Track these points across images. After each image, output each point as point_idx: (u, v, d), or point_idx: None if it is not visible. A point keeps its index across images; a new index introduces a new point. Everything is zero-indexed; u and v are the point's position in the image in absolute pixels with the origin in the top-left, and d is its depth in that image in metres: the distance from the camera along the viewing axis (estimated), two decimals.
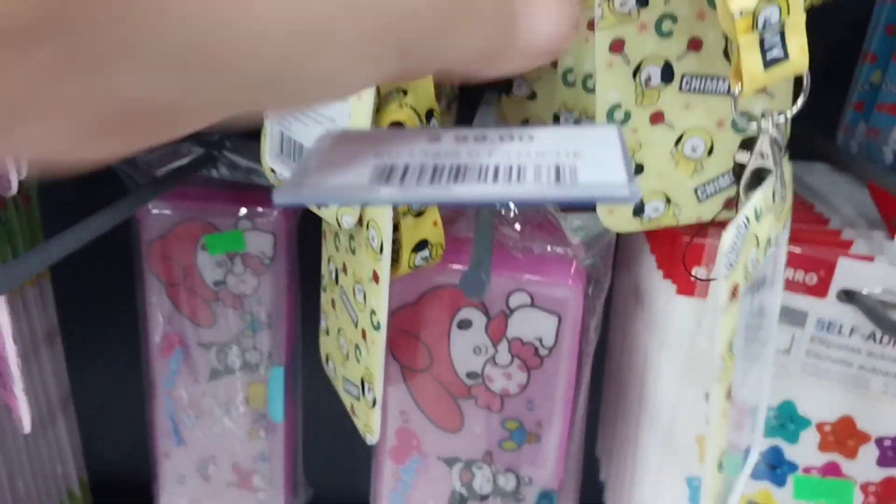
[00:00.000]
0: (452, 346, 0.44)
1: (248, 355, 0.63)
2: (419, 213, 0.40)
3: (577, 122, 0.46)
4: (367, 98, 0.37)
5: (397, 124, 0.39)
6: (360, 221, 0.39)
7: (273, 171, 0.44)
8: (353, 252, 0.42)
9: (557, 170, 0.19)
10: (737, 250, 0.30)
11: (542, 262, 0.43)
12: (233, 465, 0.66)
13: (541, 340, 0.43)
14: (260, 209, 0.60)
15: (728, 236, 0.29)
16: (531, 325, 0.43)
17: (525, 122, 0.50)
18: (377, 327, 0.40)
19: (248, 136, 0.62)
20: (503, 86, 0.52)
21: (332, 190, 0.19)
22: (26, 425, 0.40)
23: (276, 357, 0.63)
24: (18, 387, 0.38)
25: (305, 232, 0.62)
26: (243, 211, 0.60)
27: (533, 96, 0.51)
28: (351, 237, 0.42)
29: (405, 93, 0.40)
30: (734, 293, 0.30)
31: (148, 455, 0.66)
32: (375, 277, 0.40)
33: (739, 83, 0.31)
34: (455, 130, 0.23)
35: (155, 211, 0.59)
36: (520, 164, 0.20)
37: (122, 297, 0.65)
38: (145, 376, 0.64)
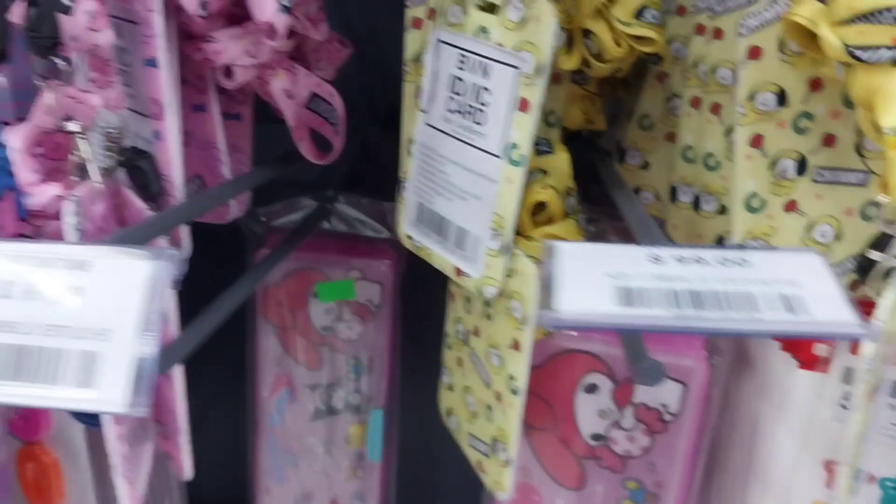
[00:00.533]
0: (578, 409, 0.47)
1: (350, 397, 0.66)
2: None
3: (696, 197, 0.48)
4: (517, 180, 0.40)
5: (541, 204, 0.42)
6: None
7: (410, 237, 0.47)
8: (489, 318, 0.45)
9: (786, 301, 0.22)
10: (876, 356, 0.32)
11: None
12: (330, 502, 0.68)
13: (666, 407, 0.46)
14: (369, 260, 0.63)
15: (869, 347, 0.31)
16: (657, 392, 0.45)
17: (637, 191, 0.53)
18: (515, 392, 0.43)
19: (359, 192, 0.65)
20: (618, 155, 0.54)
21: (608, 318, 0.21)
22: (188, 472, 0.43)
23: (377, 400, 0.66)
24: (185, 439, 0.41)
25: (406, 282, 0.65)
26: (354, 261, 0.63)
27: (646, 166, 0.54)
28: (487, 304, 0.45)
29: (545, 172, 0.43)
30: (870, 394, 0.33)
31: (249, 491, 0.69)
32: (516, 345, 0.42)
33: (887, 194, 0.33)
34: (671, 250, 0.25)
35: None
36: (748, 291, 0.22)
37: (229, 337, 0.68)
38: (251, 414, 0.67)
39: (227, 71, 0.42)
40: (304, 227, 0.59)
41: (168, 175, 0.40)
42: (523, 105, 0.39)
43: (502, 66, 0.40)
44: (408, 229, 0.47)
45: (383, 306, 0.64)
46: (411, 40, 0.47)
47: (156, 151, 0.40)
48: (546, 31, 0.38)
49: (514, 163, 0.40)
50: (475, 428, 0.47)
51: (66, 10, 0.34)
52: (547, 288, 0.23)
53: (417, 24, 0.46)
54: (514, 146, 0.40)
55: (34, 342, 0.27)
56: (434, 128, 0.44)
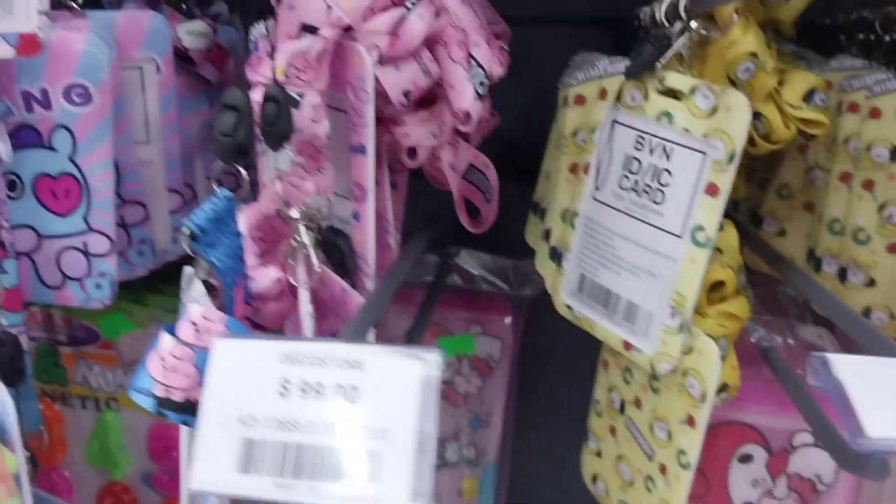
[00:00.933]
0: (731, 478, 0.48)
1: (465, 450, 0.67)
2: (722, 358, 0.43)
3: (842, 269, 0.49)
4: (701, 261, 0.41)
5: (720, 283, 0.43)
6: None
7: (569, 307, 0.48)
8: (656, 392, 0.46)
9: None
10: None
11: (824, 402, 0.46)
12: None
13: (819, 477, 0.46)
14: (490, 316, 0.64)
15: None
16: (811, 463, 0.46)
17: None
18: (685, 466, 0.43)
19: (480, 248, 0.66)
20: (752, 221, 0.55)
21: None
22: None
23: (491, 453, 0.67)
24: None
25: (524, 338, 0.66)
26: (475, 317, 0.64)
27: (783, 233, 0.55)
28: (653, 377, 0.46)
29: (720, 251, 0.44)
30: None
31: None
32: (691, 421, 0.43)
33: None
34: None
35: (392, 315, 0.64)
36: None
37: None
38: None
39: (410, 151, 0.44)
40: (435, 285, 0.60)
41: (363, 254, 0.41)
42: (712, 190, 0.40)
43: (688, 150, 0.41)
44: (567, 299, 0.48)
45: (502, 361, 0.65)
46: (571, 116, 0.48)
47: (352, 231, 0.41)
48: (739, 121, 0.39)
49: (699, 244, 0.41)
50: (630, 497, 0.48)
51: (297, 105, 0.36)
52: (842, 406, 0.24)
53: (580, 100, 0.48)
54: (700, 228, 0.41)
55: (314, 441, 0.28)
56: (603, 203, 0.45)
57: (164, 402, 0.30)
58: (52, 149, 0.43)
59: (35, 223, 0.45)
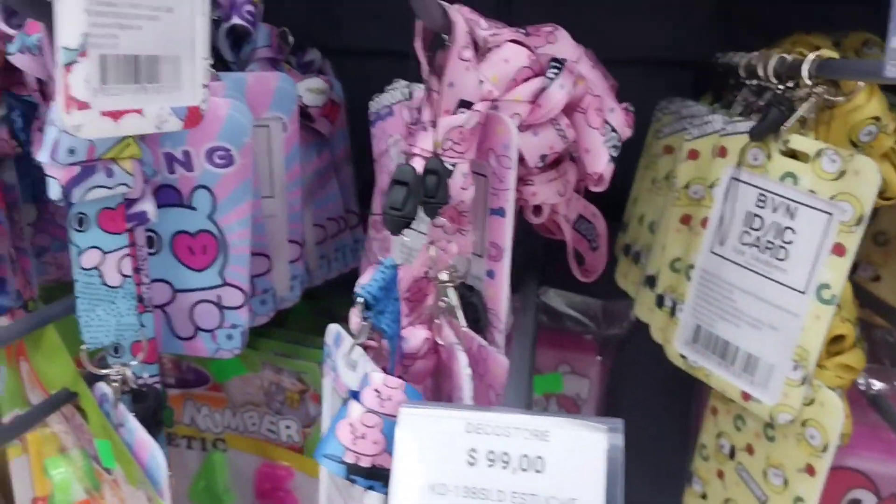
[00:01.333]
0: None
1: None
2: None
3: None
4: (826, 317, 0.42)
5: (839, 337, 0.44)
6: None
7: (683, 357, 0.50)
8: (771, 440, 0.47)
9: None
10: None
11: None
12: None
13: None
14: (579, 355, 0.65)
15: None
16: None
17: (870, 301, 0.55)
18: None
19: (565, 288, 0.68)
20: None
21: None
22: None
23: None
24: None
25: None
26: (564, 356, 0.65)
27: (877, 278, 0.56)
28: (768, 426, 0.47)
29: (839, 306, 0.45)
30: None
31: None
32: (811, 470, 0.44)
33: None
34: None
35: None
36: None
37: None
38: None
39: (536, 208, 0.45)
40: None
41: (495, 310, 0.42)
42: (839, 250, 0.41)
43: (813, 210, 0.42)
44: (681, 349, 0.49)
45: (590, 401, 0.66)
46: (685, 169, 0.49)
47: (485, 288, 0.42)
48: (868, 185, 0.40)
49: (825, 301, 0.42)
50: None
51: (450, 175, 0.37)
52: None
53: (694, 155, 0.49)
54: (826, 286, 0.42)
55: None
56: (723, 257, 0.46)
57: (353, 469, 0.31)
58: (191, 208, 0.45)
59: (170, 277, 0.46)
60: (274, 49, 0.51)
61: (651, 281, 0.54)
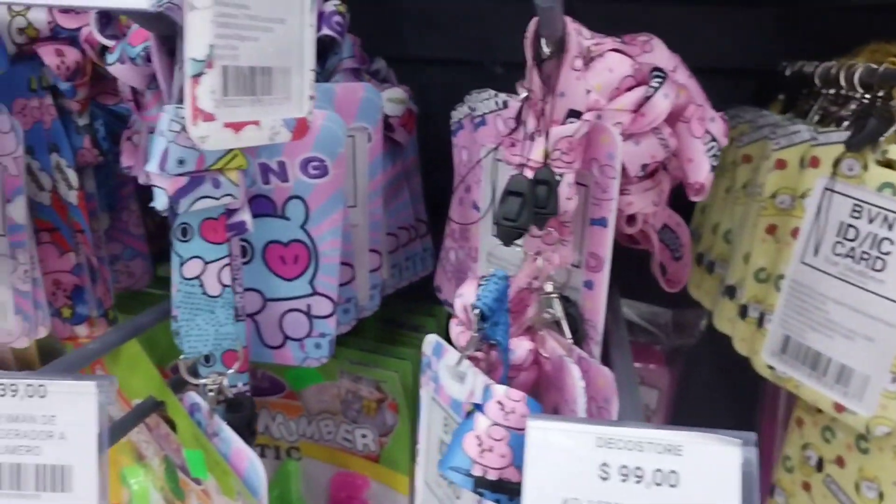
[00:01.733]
0: None
1: None
2: None
3: None
4: None
5: None
6: None
7: (771, 367, 0.49)
8: (865, 452, 0.46)
9: None
10: None
11: None
12: None
13: None
14: (648, 365, 0.65)
15: None
16: None
17: None
18: None
19: (634, 297, 0.67)
20: None
21: None
22: None
23: None
24: None
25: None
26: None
27: None
28: (860, 437, 0.46)
29: None
30: None
31: None
32: None
33: None
34: None
35: None
36: None
37: None
38: None
39: (630, 218, 0.45)
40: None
41: (592, 321, 0.42)
42: None
43: None
44: (769, 359, 0.49)
45: (659, 411, 0.65)
46: (772, 179, 0.49)
47: (583, 299, 0.42)
48: None
49: None
50: None
51: (558, 185, 0.37)
52: None
53: (781, 165, 0.49)
54: None
55: None
56: (815, 268, 0.46)
57: (480, 482, 0.31)
58: (285, 218, 0.45)
59: (262, 287, 0.46)
60: (357, 59, 0.51)
61: (731, 291, 0.53)
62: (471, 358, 0.37)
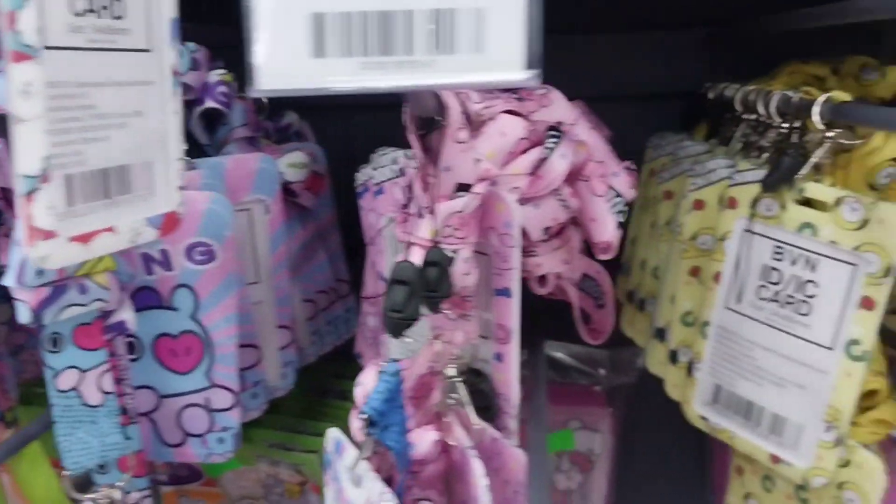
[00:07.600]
0: None
1: None
2: None
3: None
4: (858, 374, 0.40)
5: (872, 392, 0.42)
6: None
7: (704, 418, 0.47)
8: (804, 502, 0.44)
9: None
10: None
11: None
12: None
13: None
14: (589, 408, 0.62)
15: None
16: None
17: None
18: None
19: (570, 340, 0.65)
20: None
21: None
22: None
23: None
24: None
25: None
26: (574, 411, 0.62)
27: (894, 311, 0.54)
28: (800, 488, 0.44)
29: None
30: None
31: None
32: None
33: None
34: None
35: None
36: None
37: None
38: None
39: (541, 279, 0.42)
40: (537, 379, 0.58)
41: (505, 394, 0.40)
42: (867, 303, 0.39)
43: (836, 262, 0.40)
44: (701, 410, 0.47)
45: (603, 455, 0.63)
46: (691, 221, 0.47)
47: (494, 372, 0.40)
48: (895, 234, 0.38)
49: (856, 358, 0.40)
50: None
51: (451, 263, 0.34)
52: None
53: (699, 205, 0.47)
54: (856, 342, 0.40)
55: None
56: (739, 313, 0.44)
57: None
58: (172, 308, 0.42)
59: (155, 383, 0.43)
60: (251, 127, 0.48)
61: (661, 334, 0.51)
62: (370, 458, 0.35)
